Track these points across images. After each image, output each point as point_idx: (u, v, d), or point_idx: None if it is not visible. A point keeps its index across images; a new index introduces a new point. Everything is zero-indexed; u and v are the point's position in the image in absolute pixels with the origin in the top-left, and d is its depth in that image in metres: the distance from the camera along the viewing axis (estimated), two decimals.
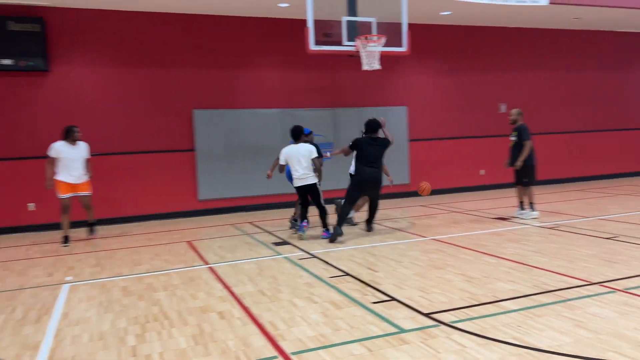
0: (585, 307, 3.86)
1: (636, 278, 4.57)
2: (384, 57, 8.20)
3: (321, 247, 6.49)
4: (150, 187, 9.61)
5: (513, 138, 8.07)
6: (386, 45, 8.20)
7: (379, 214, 7.95)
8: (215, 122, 9.96)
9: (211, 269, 5.64)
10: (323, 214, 7.08)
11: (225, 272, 5.48)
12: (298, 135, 7.05)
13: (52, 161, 7.39)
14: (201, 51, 9.86)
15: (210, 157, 9.94)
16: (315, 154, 6.97)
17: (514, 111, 8.19)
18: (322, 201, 7.06)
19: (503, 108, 12.17)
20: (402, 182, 11.16)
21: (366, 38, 8.04)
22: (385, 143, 7.24)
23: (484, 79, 12.02)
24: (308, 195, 7.12)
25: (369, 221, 7.42)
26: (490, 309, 3.93)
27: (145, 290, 4.91)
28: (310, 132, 7.71)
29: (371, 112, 10.89)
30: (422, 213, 9.05)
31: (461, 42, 11.78)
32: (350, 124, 10.62)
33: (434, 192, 11.30)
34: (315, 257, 5.99)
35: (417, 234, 7.13)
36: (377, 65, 8.12)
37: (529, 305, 3.95)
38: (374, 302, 4.21)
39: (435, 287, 4.57)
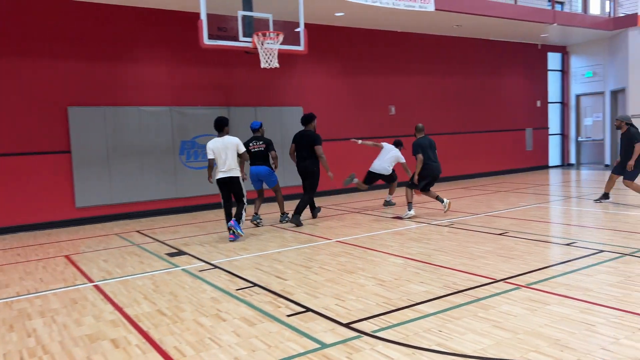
0: (497, 306, 3.91)
1: (533, 273, 4.78)
2: (280, 56, 7.94)
3: (222, 256, 6.05)
4: (17, 193, 8.40)
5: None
6: (283, 43, 7.97)
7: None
8: (93, 121, 8.98)
9: (97, 288, 4.96)
10: (240, 209, 6.89)
11: (114, 290, 4.84)
12: (221, 126, 6.87)
13: None
14: (78, 41, 8.83)
15: (89, 159, 8.94)
16: (242, 148, 6.88)
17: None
18: (244, 196, 6.98)
19: (393, 110, 12.55)
20: (293, 184, 10.99)
21: (264, 35, 7.72)
22: (311, 138, 7.98)
23: (375, 81, 12.29)
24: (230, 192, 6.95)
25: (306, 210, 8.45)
26: (409, 314, 3.83)
27: (17, 319, 4.15)
28: (260, 126, 8.17)
29: (266, 112, 10.64)
30: (322, 214, 8.93)
31: (354, 44, 11.92)
32: (245, 123, 10.23)
33: (332, 192, 11.37)
34: (217, 267, 5.55)
35: (321, 237, 6.97)
36: (275, 63, 7.83)
37: (444, 308, 3.91)
38: (289, 315, 3.92)
39: (349, 294, 4.39)
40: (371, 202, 10.31)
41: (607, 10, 15.75)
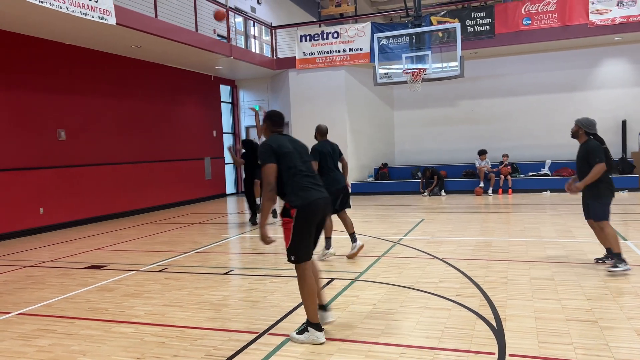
0: None
1: (289, 316, 4.37)
2: None
3: None
4: None
5: None
6: None
7: None
8: None
9: None
10: None
11: None
12: None
13: None
14: None
15: None
16: None
17: None
18: None
19: (63, 135, 10.50)
20: None
21: None
22: None
23: (39, 99, 10.02)
24: None
25: None
26: None
27: None
28: None
29: None
30: None
31: (13, 52, 9.44)
32: None
33: None
34: None
35: None
36: None
37: None
38: None
39: None
40: (41, 250, 8.18)
41: (264, 51, 17.46)
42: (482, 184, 13.37)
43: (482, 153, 13.70)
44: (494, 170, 13.48)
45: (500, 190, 13.28)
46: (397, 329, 3.98)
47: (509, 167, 13.56)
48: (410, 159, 15.82)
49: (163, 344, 3.86)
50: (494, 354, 3.42)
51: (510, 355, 3.38)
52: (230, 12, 14.26)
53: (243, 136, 17.22)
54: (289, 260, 3.76)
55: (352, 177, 14.79)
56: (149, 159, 12.86)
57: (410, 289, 5.03)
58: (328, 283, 5.34)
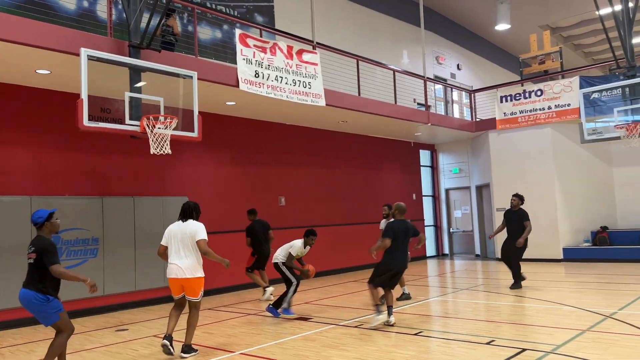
0: None
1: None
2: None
3: None
4: None
5: None
6: (176, 129, 7.31)
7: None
8: None
9: None
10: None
11: None
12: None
13: None
14: None
15: None
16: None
17: None
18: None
19: (283, 201, 12.18)
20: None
21: (155, 118, 7.00)
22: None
23: (265, 172, 11.93)
24: None
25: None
26: None
27: None
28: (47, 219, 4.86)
29: (148, 202, 9.59)
30: (213, 318, 7.89)
31: (245, 134, 11.58)
32: (122, 214, 9.07)
33: (219, 291, 10.30)
34: None
35: (219, 348, 5.98)
36: (167, 149, 7.10)
37: None
38: None
39: None
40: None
41: (465, 115, 17.62)
42: None
43: None
44: None
45: None
46: None
47: None
48: (637, 222, 13.85)
49: None
50: None
51: None
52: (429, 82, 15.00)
53: (443, 198, 17.35)
54: None
55: (564, 242, 13.60)
56: (354, 222, 13.92)
57: None
58: (519, 353, 5.14)
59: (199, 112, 7.80)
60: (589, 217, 14.16)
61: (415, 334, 6.25)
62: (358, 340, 6.09)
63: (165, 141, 7.07)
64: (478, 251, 16.11)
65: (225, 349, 5.94)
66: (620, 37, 9.89)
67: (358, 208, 14.16)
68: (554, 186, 13.62)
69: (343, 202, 13.73)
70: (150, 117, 6.97)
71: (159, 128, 7.03)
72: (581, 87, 12.65)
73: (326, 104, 10.50)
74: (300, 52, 10.01)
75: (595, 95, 11.74)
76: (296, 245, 7.77)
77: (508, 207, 9.72)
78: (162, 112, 7.19)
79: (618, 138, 9.65)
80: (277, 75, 9.48)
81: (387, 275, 6.88)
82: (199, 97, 7.91)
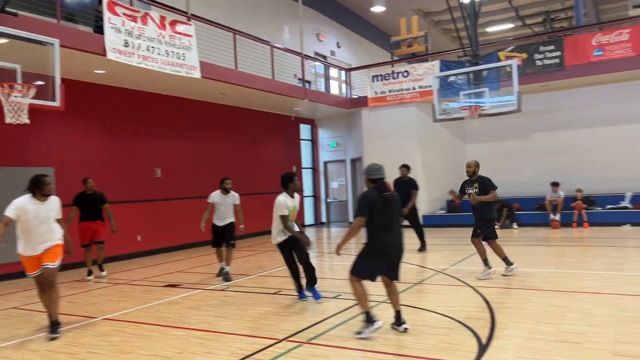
0: None
1: (312, 328, 5.08)
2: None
3: None
4: None
5: None
6: (35, 97, 7.09)
7: None
8: None
9: None
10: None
11: None
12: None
13: None
14: None
15: None
16: None
17: None
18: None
19: (158, 172, 12.17)
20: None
21: (10, 87, 6.75)
22: None
23: (139, 143, 11.80)
24: None
25: None
26: None
27: None
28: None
29: (10, 172, 9.16)
30: (80, 289, 7.91)
31: (117, 104, 11.31)
32: None
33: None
34: None
35: (84, 315, 6.13)
36: (25, 119, 6.89)
37: None
38: None
39: None
40: (134, 272, 9.60)
41: (344, 91, 18.56)
42: (557, 217, 13.11)
43: (553, 185, 13.46)
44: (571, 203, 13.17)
45: (575, 224, 12.92)
46: (398, 340, 4.53)
47: (583, 202, 13.17)
48: None
49: (202, 344, 4.74)
50: None
51: None
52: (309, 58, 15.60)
53: (321, 170, 18.29)
54: None
55: (423, 210, 15.15)
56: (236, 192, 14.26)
57: (427, 311, 5.51)
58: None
59: (63, 80, 7.61)
60: (445, 188, 15.80)
61: (274, 294, 6.88)
62: (220, 301, 6.58)
63: (22, 110, 6.86)
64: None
65: (89, 316, 6.11)
66: (466, 27, 11.15)
67: (239, 180, 14.50)
68: (416, 160, 15.01)
69: (224, 174, 13.94)
70: (6, 85, 6.71)
71: (16, 96, 6.80)
72: (441, 70, 14.02)
73: (202, 77, 10.62)
74: (173, 23, 9.99)
75: (452, 78, 13.11)
76: (279, 204, 6.29)
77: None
78: (19, 80, 6.94)
79: (462, 118, 10.97)
80: (148, 46, 9.41)
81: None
82: (63, 65, 7.70)
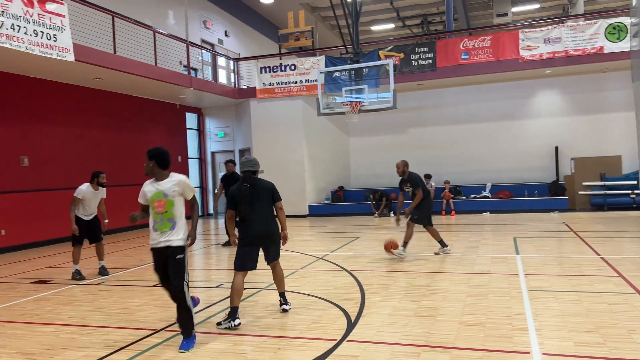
0: (162, 354, 4.06)
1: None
2: None
3: None
4: None
5: None
6: None
7: None
8: None
9: None
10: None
11: None
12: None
13: None
14: None
15: None
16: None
17: None
18: None
19: (25, 161, 11.24)
20: None
21: None
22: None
23: (2, 129, 10.79)
24: None
25: None
26: None
27: None
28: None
29: None
30: None
31: None
32: None
33: None
34: None
35: None
36: None
37: None
38: None
39: None
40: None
41: (233, 81, 18.44)
42: None
43: (426, 177, 14.63)
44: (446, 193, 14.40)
45: (444, 212, 14.19)
46: (274, 323, 4.76)
47: (451, 192, 14.49)
48: (365, 183, 16.73)
49: (73, 339, 4.59)
50: (336, 340, 4.21)
51: (347, 340, 4.18)
52: (195, 46, 15.27)
53: (209, 161, 18.06)
54: None
55: (310, 200, 15.63)
56: (114, 184, 13.57)
57: (304, 294, 5.81)
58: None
59: None
60: (330, 179, 16.51)
61: (154, 286, 6.77)
62: (95, 295, 6.35)
63: None
64: None
65: None
66: (348, 25, 11.68)
67: (119, 170, 13.84)
68: (303, 152, 15.44)
69: (103, 163, 13.23)
70: None
71: None
72: (326, 66, 14.54)
73: (75, 59, 9.99)
74: (43, 1, 9.27)
75: (336, 74, 13.65)
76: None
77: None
78: None
79: (343, 113, 11.52)
80: (13, 24, 8.65)
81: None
82: None
